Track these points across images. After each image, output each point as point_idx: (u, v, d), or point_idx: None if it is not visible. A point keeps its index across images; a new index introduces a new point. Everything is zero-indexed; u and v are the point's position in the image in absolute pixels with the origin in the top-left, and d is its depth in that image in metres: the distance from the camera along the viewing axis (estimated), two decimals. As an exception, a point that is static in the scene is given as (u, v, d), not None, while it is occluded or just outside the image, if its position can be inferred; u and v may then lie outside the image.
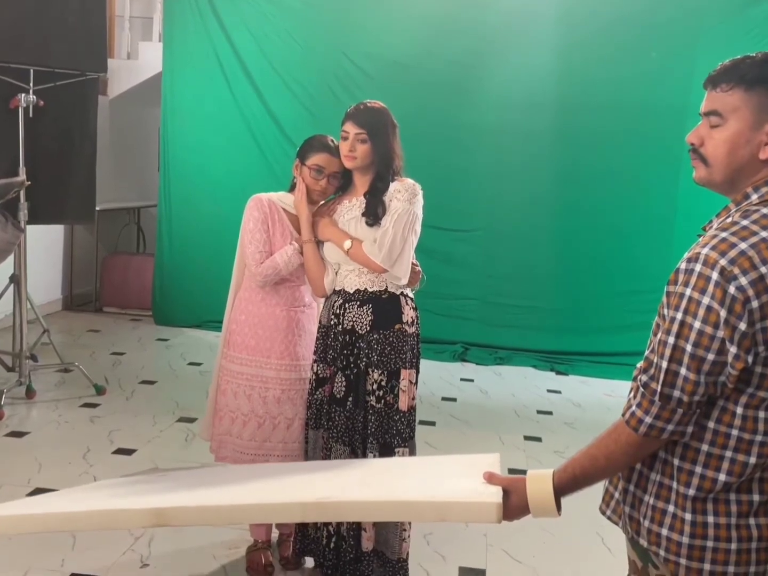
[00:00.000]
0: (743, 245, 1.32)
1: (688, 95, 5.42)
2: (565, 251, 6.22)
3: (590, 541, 3.26)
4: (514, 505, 1.49)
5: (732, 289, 1.29)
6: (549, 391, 5.51)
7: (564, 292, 6.23)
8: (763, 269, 1.30)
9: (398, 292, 2.73)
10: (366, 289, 2.70)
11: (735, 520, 1.38)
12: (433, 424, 4.65)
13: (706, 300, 1.31)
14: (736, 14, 5.72)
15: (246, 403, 2.85)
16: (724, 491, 1.38)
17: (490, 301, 6.30)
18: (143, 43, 7.70)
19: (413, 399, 2.74)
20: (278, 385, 2.84)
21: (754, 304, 1.29)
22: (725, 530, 1.38)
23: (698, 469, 1.39)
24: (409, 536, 2.76)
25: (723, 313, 1.30)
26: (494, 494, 1.48)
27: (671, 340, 1.35)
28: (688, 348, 1.33)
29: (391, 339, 2.68)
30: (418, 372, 2.79)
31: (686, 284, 1.34)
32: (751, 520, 1.38)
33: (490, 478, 1.53)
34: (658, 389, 1.36)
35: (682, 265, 1.37)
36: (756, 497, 1.38)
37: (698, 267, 1.33)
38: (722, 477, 1.37)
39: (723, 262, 1.31)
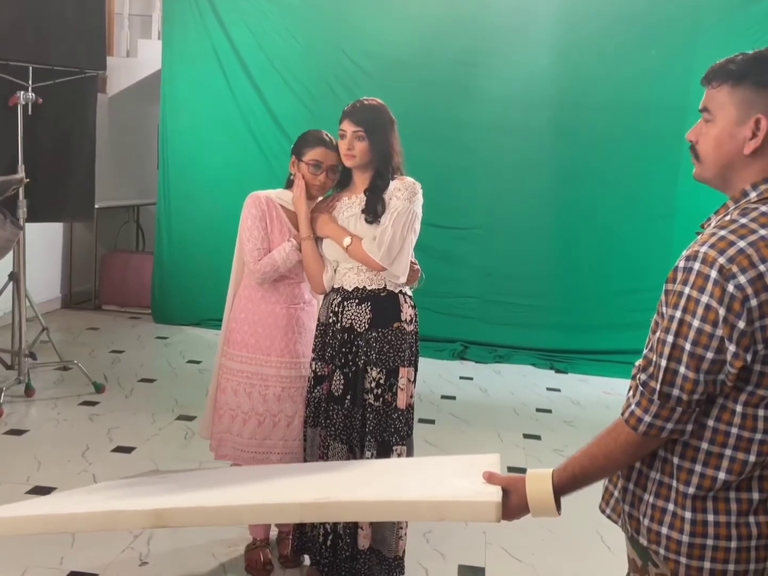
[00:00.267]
0: (742, 243, 1.32)
1: (687, 93, 5.41)
2: (565, 249, 6.22)
3: (590, 539, 3.26)
4: (513, 504, 1.48)
5: (731, 288, 1.29)
6: (548, 389, 5.51)
7: (563, 290, 6.23)
8: (761, 267, 1.30)
9: (397, 291, 2.72)
10: (365, 287, 2.70)
11: (735, 518, 1.38)
12: (432, 422, 4.65)
13: (704, 298, 1.31)
14: (735, 12, 5.72)
15: (246, 401, 2.85)
16: (724, 489, 1.38)
17: (490, 299, 6.30)
18: (142, 41, 7.69)
19: (411, 397, 2.74)
20: (278, 382, 2.84)
21: (753, 302, 1.29)
22: (725, 528, 1.37)
23: (698, 468, 1.39)
24: (405, 534, 2.77)
25: (722, 312, 1.30)
26: (493, 494, 1.48)
27: (670, 338, 1.35)
28: (687, 346, 1.33)
29: (389, 337, 2.68)
30: (416, 370, 2.78)
31: (685, 282, 1.34)
32: (751, 519, 1.37)
33: (490, 478, 1.53)
34: (658, 388, 1.36)
35: (681, 264, 1.36)
36: (756, 495, 1.38)
37: (697, 265, 1.32)
38: (722, 475, 1.37)
39: (722, 260, 1.30)
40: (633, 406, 1.40)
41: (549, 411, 5.02)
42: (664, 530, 1.41)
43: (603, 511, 1.58)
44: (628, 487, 1.49)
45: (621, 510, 1.51)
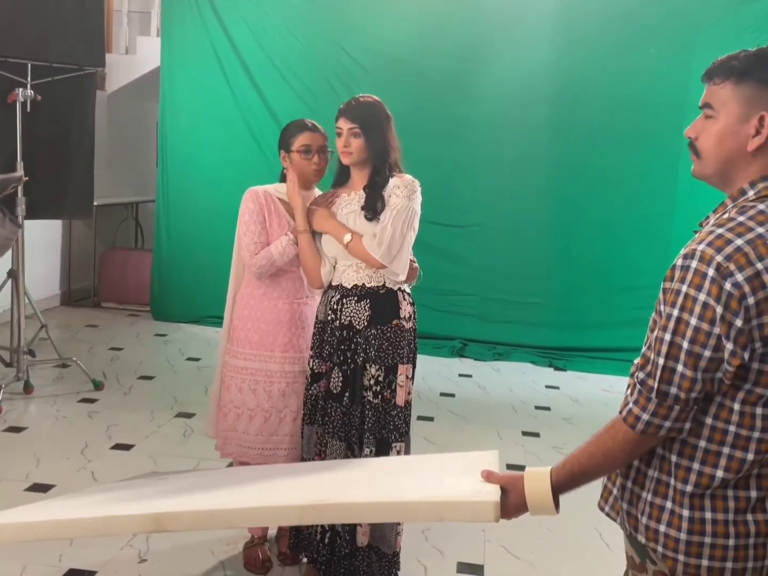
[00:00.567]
0: (739, 241, 1.31)
1: (686, 91, 5.40)
2: (564, 247, 6.22)
3: (588, 537, 3.26)
4: (512, 503, 1.49)
5: (728, 286, 1.29)
6: (547, 386, 5.51)
7: (562, 288, 6.23)
8: (759, 265, 1.30)
9: (396, 288, 2.73)
10: (364, 284, 2.70)
11: (732, 516, 1.38)
12: (431, 419, 4.65)
13: (702, 297, 1.31)
14: (734, 10, 5.71)
15: (251, 398, 2.85)
16: (722, 488, 1.38)
17: (489, 297, 6.30)
18: (141, 38, 7.68)
19: (409, 394, 2.74)
20: (283, 378, 2.85)
21: (750, 300, 1.29)
22: (723, 526, 1.38)
23: (696, 466, 1.39)
24: (402, 529, 2.78)
25: (719, 310, 1.29)
26: (492, 493, 1.48)
27: (668, 337, 1.35)
28: (685, 345, 1.33)
29: (388, 334, 2.68)
30: (414, 367, 2.79)
31: (682, 281, 1.34)
32: (749, 516, 1.38)
33: (488, 477, 1.53)
34: (655, 386, 1.36)
35: (679, 262, 1.36)
36: (753, 493, 1.38)
37: (694, 263, 1.32)
38: (720, 473, 1.37)
39: (719, 258, 1.30)
40: (631, 405, 1.40)
41: (548, 408, 5.02)
42: (662, 528, 1.41)
43: (602, 509, 1.58)
44: (627, 485, 1.49)
45: (619, 508, 1.51)
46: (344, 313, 2.71)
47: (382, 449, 2.67)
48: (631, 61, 5.91)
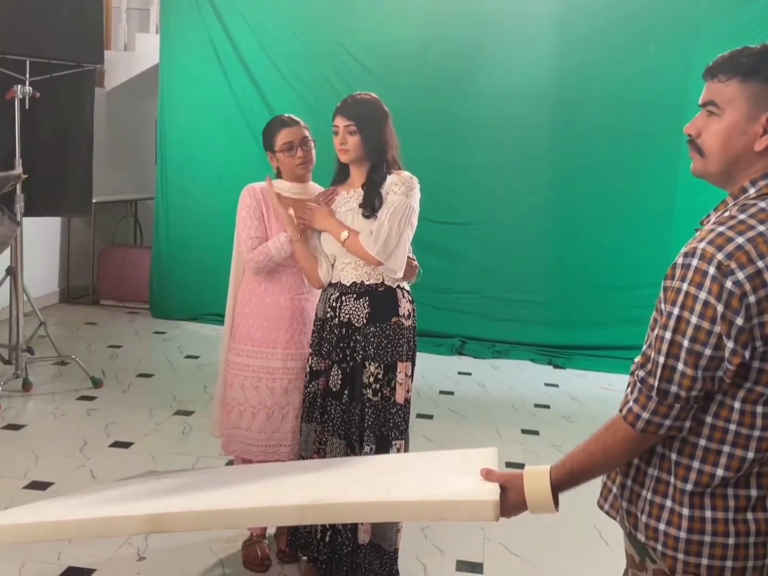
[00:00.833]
0: (740, 240, 1.31)
1: (686, 89, 5.40)
2: (564, 245, 6.22)
3: (588, 535, 3.26)
4: (511, 501, 1.48)
5: (729, 284, 1.28)
6: (546, 384, 5.51)
7: (562, 286, 6.23)
8: (760, 264, 1.29)
9: (395, 285, 2.72)
10: (362, 282, 2.70)
11: (732, 514, 1.37)
12: (430, 417, 4.65)
13: (702, 295, 1.30)
14: (734, 8, 5.71)
15: (254, 395, 2.86)
16: (722, 486, 1.38)
17: (488, 295, 6.30)
18: (140, 35, 7.67)
19: (408, 392, 2.74)
20: (285, 375, 2.86)
21: (751, 299, 1.28)
22: (723, 525, 1.37)
23: (696, 464, 1.38)
24: (402, 527, 2.78)
25: (720, 308, 1.29)
26: (491, 491, 1.48)
27: (668, 335, 1.34)
28: (685, 343, 1.32)
29: (387, 332, 2.68)
30: (414, 365, 2.79)
31: (683, 279, 1.33)
32: (749, 515, 1.37)
33: (488, 475, 1.53)
34: (656, 384, 1.36)
35: (679, 260, 1.36)
36: (753, 492, 1.37)
37: (695, 262, 1.32)
38: (720, 472, 1.37)
39: (720, 256, 1.30)
40: (631, 403, 1.40)
41: (547, 406, 5.02)
42: (662, 526, 1.41)
43: (601, 507, 1.58)
44: (626, 483, 1.49)
45: (619, 506, 1.51)
46: (343, 310, 2.70)
47: (382, 447, 2.67)
48: (631, 61, 5.91)
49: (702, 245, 1.32)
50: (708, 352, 1.31)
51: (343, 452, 2.69)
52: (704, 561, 1.38)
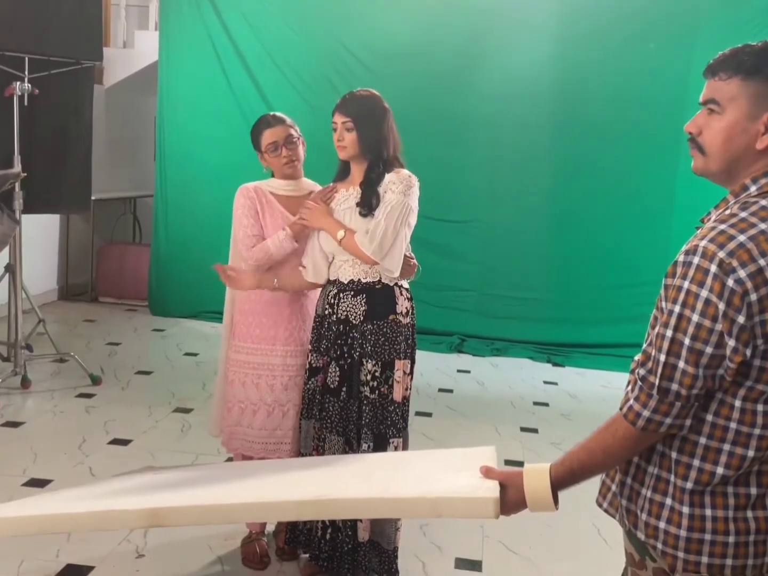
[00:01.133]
0: (742, 237, 1.31)
1: (686, 87, 5.41)
2: (563, 243, 6.22)
3: (587, 533, 3.26)
4: (511, 499, 1.48)
5: (730, 282, 1.28)
6: (545, 382, 5.51)
7: (561, 283, 6.23)
8: (761, 262, 1.29)
9: (392, 283, 2.72)
10: (360, 279, 2.70)
11: (732, 513, 1.37)
12: (429, 415, 4.65)
13: (704, 293, 1.30)
14: (734, 5, 5.71)
15: (254, 392, 2.86)
16: (722, 484, 1.37)
17: (487, 293, 6.30)
18: (139, 32, 7.66)
19: (407, 389, 2.74)
20: (285, 371, 2.86)
21: (753, 297, 1.28)
22: (723, 523, 1.37)
23: (696, 463, 1.38)
24: (401, 525, 2.78)
25: (721, 306, 1.29)
26: (491, 489, 1.47)
27: (669, 333, 1.34)
28: (687, 341, 1.32)
29: (385, 330, 2.67)
30: (413, 362, 2.78)
31: (684, 277, 1.33)
32: (749, 513, 1.37)
33: (487, 473, 1.52)
34: (656, 382, 1.35)
35: (681, 258, 1.35)
36: (753, 490, 1.37)
37: (696, 259, 1.32)
38: (720, 470, 1.36)
39: (721, 254, 1.29)
40: (632, 401, 1.39)
41: (546, 404, 5.02)
42: (662, 525, 1.41)
43: (600, 506, 1.57)
44: (626, 481, 1.49)
45: (618, 504, 1.51)
46: (341, 307, 2.70)
47: (380, 445, 2.67)
48: (631, 58, 5.91)
49: (704, 243, 1.32)
50: (709, 350, 1.31)
51: (341, 449, 2.69)
52: (704, 559, 1.38)
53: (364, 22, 6.20)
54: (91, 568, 2.83)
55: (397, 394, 2.68)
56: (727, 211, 1.39)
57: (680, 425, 1.37)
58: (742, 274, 1.28)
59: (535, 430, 4.50)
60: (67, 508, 2.00)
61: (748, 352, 1.30)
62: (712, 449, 1.37)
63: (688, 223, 1.74)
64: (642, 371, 1.39)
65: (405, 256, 2.69)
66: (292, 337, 2.87)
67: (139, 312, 6.81)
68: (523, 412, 4.85)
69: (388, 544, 2.73)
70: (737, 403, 1.35)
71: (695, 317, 1.31)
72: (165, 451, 3.87)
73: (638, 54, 5.89)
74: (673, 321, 1.33)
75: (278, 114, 2.91)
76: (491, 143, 6.15)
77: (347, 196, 2.73)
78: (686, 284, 1.32)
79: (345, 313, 2.70)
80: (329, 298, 2.74)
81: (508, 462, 3.71)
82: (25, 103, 4.60)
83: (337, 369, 2.70)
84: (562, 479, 1.46)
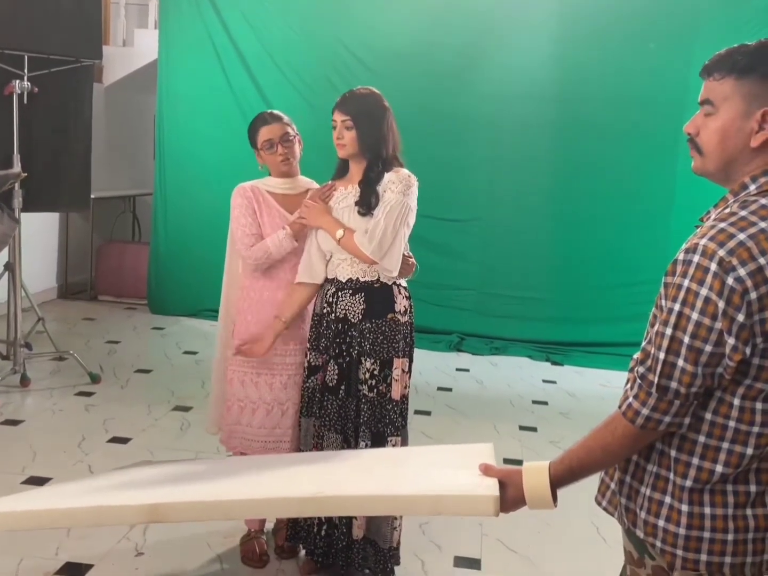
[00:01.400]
0: (742, 236, 1.31)
1: (686, 87, 5.40)
2: (562, 242, 6.22)
3: (586, 531, 3.26)
4: (510, 497, 1.48)
5: (730, 280, 1.28)
6: (544, 381, 5.51)
7: (560, 282, 6.23)
8: (761, 260, 1.29)
9: (391, 282, 2.72)
10: (358, 278, 2.70)
11: (732, 511, 1.37)
12: (428, 413, 4.65)
13: (704, 291, 1.30)
14: (734, 5, 5.70)
15: (254, 391, 2.86)
16: (721, 482, 1.38)
17: (486, 292, 6.31)
18: (139, 30, 7.65)
19: (406, 388, 2.74)
20: (284, 370, 2.86)
21: (753, 295, 1.28)
22: (722, 521, 1.37)
23: (695, 461, 1.38)
24: (400, 525, 2.77)
25: (721, 305, 1.29)
26: (491, 487, 1.48)
27: (669, 331, 1.34)
28: (686, 339, 1.32)
29: (383, 328, 2.67)
30: (411, 361, 2.78)
31: (684, 275, 1.33)
32: (748, 511, 1.37)
33: (486, 470, 1.53)
34: (656, 381, 1.36)
35: (680, 256, 1.36)
36: (753, 488, 1.38)
37: (696, 258, 1.32)
38: (719, 468, 1.37)
39: (721, 252, 1.30)
40: (631, 399, 1.40)
41: (545, 403, 5.03)
42: (661, 523, 1.41)
43: (599, 504, 1.58)
44: (625, 479, 1.49)
45: (618, 502, 1.51)
46: (339, 306, 2.70)
47: (378, 443, 2.67)
48: (631, 58, 5.90)
49: (703, 241, 1.32)
50: (708, 348, 1.31)
51: (339, 447, 2.70)
52: (703, 557, 1.38)
53: (364, 22, 6.19)
54: (90, 566, 2.83)
55: (396, 393, 2.69)
56: (727, 210, 1.39)
57: (679, 423, 1.37)
58: (741, 272, 1.28)
59: (534, 429, 4.51)
60: (65, 503, 2.00)
61: (748, 351, 1.30)
62: (711, 447, 1.37)
63: (687, 223, 1.74)
64: (641, 369, 1.39)
65: (403, 255, 2.69)
66: (291, 335, 2.87)
67: (138, 310, 6.81)
68: (522, 410, 4.85)
69: (384, 543, 2.73)
70: (736, 402, 1.35)
71: (695, 315, 1.31)
72: (164, 449, 3.87)
73: (638, 54, 5.89)
74: (672, 319, 1.34)
75: (275, 112, 2.91)
76: (491, 143, 6.15)
77: (346, 194, 2.73)
78: (686, 282, 1.32)
79: (344, 311, 2.70)
80: (327, 296, 2.74)
81: (507, 460, 3.71)
82: (25, 102, 4.60)
83: (336, 367, 2.70)
84: (561, 477, 1.46)
